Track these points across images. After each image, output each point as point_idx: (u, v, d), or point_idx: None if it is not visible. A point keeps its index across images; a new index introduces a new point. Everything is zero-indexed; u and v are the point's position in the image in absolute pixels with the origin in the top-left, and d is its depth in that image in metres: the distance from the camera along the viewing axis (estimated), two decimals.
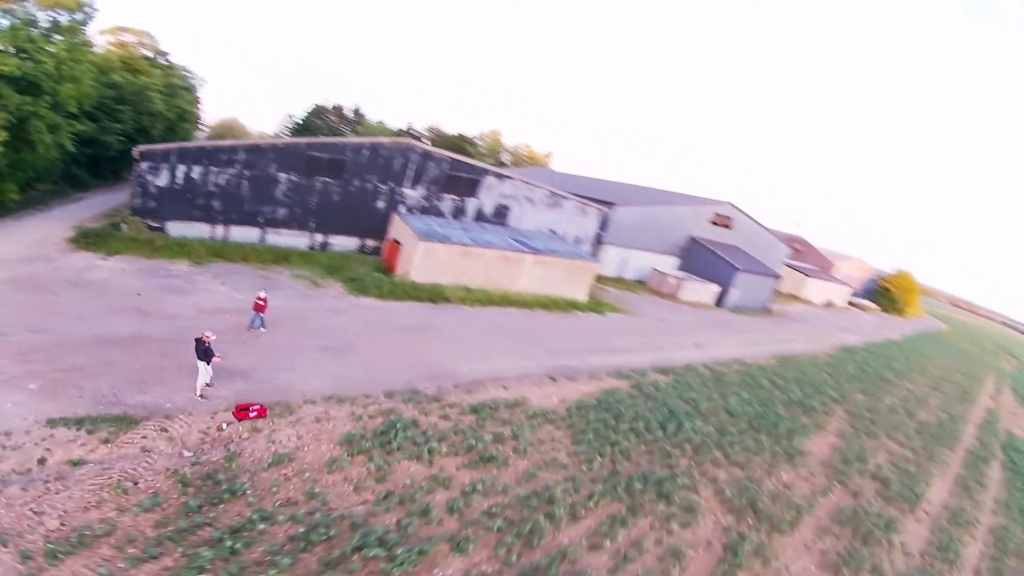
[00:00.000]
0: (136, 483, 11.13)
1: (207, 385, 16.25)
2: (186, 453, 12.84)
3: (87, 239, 26.43)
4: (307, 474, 13.15)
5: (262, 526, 10.82)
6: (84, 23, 29.85)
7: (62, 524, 9.66)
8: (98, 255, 25.13)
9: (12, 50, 25.56)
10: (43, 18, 27.81)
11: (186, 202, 30.27)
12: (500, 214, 39.85)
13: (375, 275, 30.70)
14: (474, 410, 18.58)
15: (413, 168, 36.08)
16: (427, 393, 19.34)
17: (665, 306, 42.20)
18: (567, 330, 30.56)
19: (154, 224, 29.63)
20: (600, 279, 43.80)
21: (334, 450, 14.57)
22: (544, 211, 41.38)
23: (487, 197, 38.96)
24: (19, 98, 24.87)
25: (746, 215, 53.83)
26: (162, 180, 29.39)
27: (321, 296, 27.63)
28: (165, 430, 13.46)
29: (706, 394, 24.42)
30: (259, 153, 31.98)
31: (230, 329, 20.91)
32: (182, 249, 28.07)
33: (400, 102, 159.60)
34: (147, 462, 11.97)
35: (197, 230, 30.81)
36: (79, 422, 12.57)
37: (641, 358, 27.90)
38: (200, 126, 72.89)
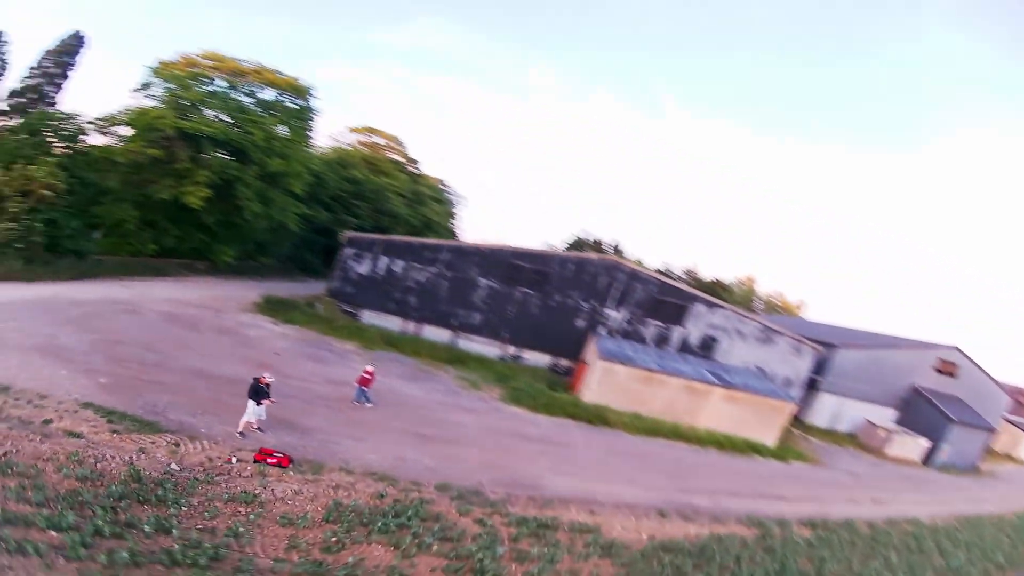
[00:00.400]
0: (97, 462, 13.25)
1: (258, 430, 18.49)
2: (173, 466, 14.73)
3: (270, 305, 33.35)
4: (254, 517, 13.70)
5: (148, 529, 11.67)
6: (307, 110, 38.58)
7: (4, 455, 12.24)
8: (272, 320, 31.34)
9: (226, 117, 34.12)
10: (265, 96, 37.03)
11: (383, 293, 36.17)
12: (706, 346, 38.54)
13: (538, 387, 31.66)
14: (520, 523, 17.13)
15: (619, 288, 37.41)
16: (488, 496, 18.62)
17: (864, 460, 39.93)
18: (724, 471, 27.99)
19: (349, 309, 35.95)
20: (808, 429, 42.94)
21: (314, 511, 14.91)
22: (754, 347, 39.68)
23: (694, 326, 38.39)
24: (223, 160, 32.93)
25: (972, 362, 50.79)
26: (364, 268, 35.95)
27: (467, 397, 29.33)
28: (177, 444, 15.80)
29: (844, 555, 21.49)
30: (463, 255, 36.84)
31: (338, 398, 23.61)
32: (359, 333, 33.20)
33: (662, 241, 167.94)
34: (130, 456, 14.15)
35: (389, 322, 36.15)
36: (109, 413, 15.80)
37: (794, 508, 25.08)
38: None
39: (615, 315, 37.64)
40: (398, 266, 36.26)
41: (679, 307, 38.12)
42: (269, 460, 16.83)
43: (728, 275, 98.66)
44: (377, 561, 13.50)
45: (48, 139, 30.27)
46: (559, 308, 37.17)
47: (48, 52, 38.98)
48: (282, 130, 37.87)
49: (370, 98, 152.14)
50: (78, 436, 14.17)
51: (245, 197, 35.92)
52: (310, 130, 43.32)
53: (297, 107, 39.56)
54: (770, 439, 33.04)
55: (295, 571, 12.33)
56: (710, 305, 38.94)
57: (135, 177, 33.45)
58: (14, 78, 38.89)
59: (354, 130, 65.56)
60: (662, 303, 37.88)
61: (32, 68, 38.64)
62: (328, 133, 63.67)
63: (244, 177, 35.56)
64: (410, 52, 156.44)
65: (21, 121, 31.87)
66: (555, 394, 31.12)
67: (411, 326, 36.61)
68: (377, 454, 19.60)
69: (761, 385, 34.98)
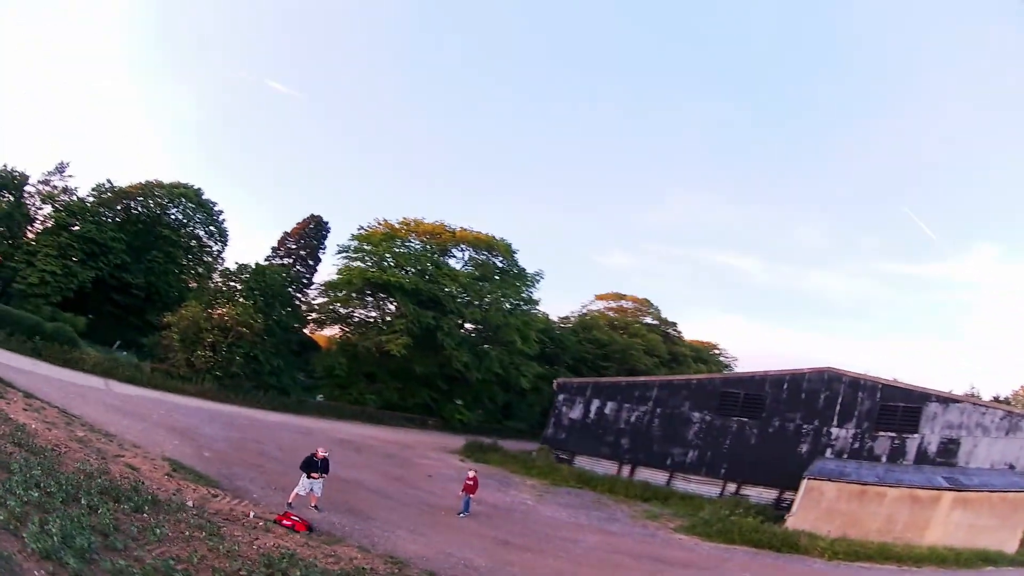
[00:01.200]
0: (121, 478, 16.85)
1: (314, 507, 19.88)
2: (188, 503, 17.65)
3: (469, 448, 34.63)
4: (188, 535, 15.18)
5: (84, 502, 13.90)
6: (515, 269, 40.54)
7: (51, 451, 16.64)
8: (461, 458, 32.73)
9: (417, 272, 37.39)
10: (467, 255, 40.30)
11: (595, 437, 35.24)
12: (947, 452, 32.57)
13: (723, 513, 27.26)
14: None
15: (840, 401, 33.35)
16: None
17: None
18: None
19: (563, 456, 35.30)
20: None
21: (254, 552, 15.59)
22: (1001, 441, 32.22)
23: (931, 431, 33.06)
24: (416, 309, 36.46)
25: None
26: (576, 413, 35.88)
27: (625, 523, 26.47)
28: (215, 496, 18.66)
29: None
30: (672, 390, 35.02)
31: (446, 507, 23.46)
32: (551, 472, 32.29)
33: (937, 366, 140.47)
34: (157, 487, 17.57)
35: (603, 467, 34.52)
36: (180, 467, 19.42)
37: None
38: None
39: (840, 433, 33.32)
40: (609, 408, 35.52)
41: (910, 410, 33.31)
42: (284, 522, 18.23)
43: (1006, 389, 78.66)
44: None
45: (248, 287, 38.68)
46: (778, 434, 33.12)
47: (287, 234, 51.15)
48: (463, 279, 41.84)
49: (633, 274, 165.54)
50: (134, 469, 18.30)
51: (448, 347, 39.87)
52: (523, 287, 46.34)
53: (503, 265, 43.91)
54: (1012, 544, 27.00)
55: (154, 563, 13.39)
56: (944, 401, 33.66)
57: (343, 330, 40.84)
58: (247, 252, 52.04)
59: (600, 296, 67.51)
60: (889, 409, 33.42)
61: (275, 248, 50.84)
62: (579, 302, 67.53)
63: (443, 326, 39.95)
64: (666, 227, 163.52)
65: (230, 271, 42.04)
66: (738, 521, 26.31)
67: (625, 469, 34.27)
68: (420, 547, 18.48)
69: (1000, 480, 30.13)
